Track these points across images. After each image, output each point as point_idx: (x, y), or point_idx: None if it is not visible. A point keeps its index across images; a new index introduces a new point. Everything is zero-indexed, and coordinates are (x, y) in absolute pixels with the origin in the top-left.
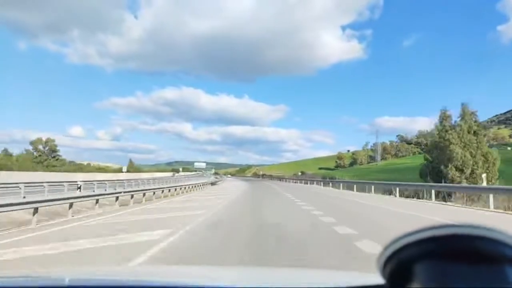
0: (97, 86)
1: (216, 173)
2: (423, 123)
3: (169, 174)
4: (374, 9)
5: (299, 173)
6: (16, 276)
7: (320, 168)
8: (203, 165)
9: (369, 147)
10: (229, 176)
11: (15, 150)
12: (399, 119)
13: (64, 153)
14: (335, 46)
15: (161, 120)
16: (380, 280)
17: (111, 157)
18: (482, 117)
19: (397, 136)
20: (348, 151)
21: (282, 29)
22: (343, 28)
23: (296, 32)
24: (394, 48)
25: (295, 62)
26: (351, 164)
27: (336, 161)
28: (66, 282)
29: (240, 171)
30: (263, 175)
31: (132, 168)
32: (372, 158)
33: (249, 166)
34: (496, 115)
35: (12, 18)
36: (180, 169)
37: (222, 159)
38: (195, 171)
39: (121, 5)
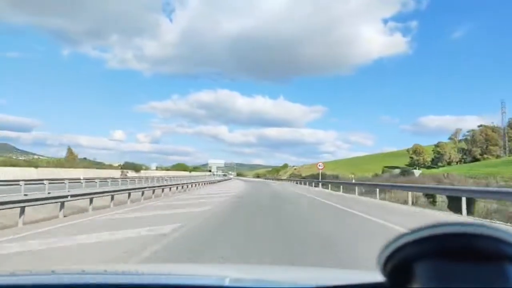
0: (136, 90)
1: (239, 175)
2: (473, 122)
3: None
4: None
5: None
6: (15, 274)
7: (386, 167)
8: (221, 163)
9: (460, 137)
10: (232, 176)
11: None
12: (446, 118)
13: (108, 156)
14: (376, 41)
15: (197, 123)
16: (381, 278)
17: (151, 159)
18: None
19: (479, 126)
20: (419, 144)
21: (318, 25)
22: (385, 21)
23: (333, 28)
24: (442, 41)
25: (332, 60)
26: (434, 161)
27: (412, 157)
28: (67, 280)
29: (273, 172)
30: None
31: (69, 163)
32: (466, 152)
33: (284, 166)
34: None
35: (57, 26)
36: (155, 166)
37: (258, 161)
38: (209, 171)
39: (156, 8)
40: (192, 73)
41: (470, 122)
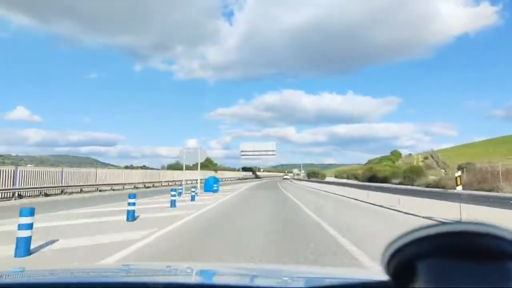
0: (204, 99)
1: (312, 175)
2: None
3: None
4: None
5: None
6: (11, 275)
7: None
8: (269, 151)
9: None
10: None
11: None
12: None
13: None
14: (457, 14)
15: (264, 125)
16: (385, 277)
17: (225, 164)
18: None
19: None
20: None
21: (386, 6)
22: None
23: (403, 6)
24: None
25: (405, 43)
26: None
27: None
28: (63, 280)
29: (384, 161)
30: None
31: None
32: None
33: (395, 154)
34: None
35: (127, 43)
36: None
37: (329, 160)
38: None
39: (216, 14)
40: (255, 76)
41: None
